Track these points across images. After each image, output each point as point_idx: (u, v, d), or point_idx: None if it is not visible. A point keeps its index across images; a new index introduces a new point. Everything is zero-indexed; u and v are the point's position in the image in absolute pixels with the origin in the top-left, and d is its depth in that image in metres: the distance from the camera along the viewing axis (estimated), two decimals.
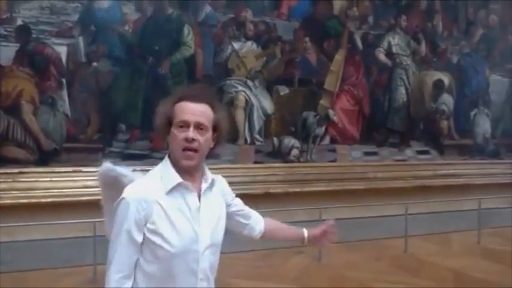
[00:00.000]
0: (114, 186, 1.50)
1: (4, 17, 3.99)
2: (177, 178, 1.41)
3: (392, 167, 5.33)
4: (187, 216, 1.42)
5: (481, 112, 6.12)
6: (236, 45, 4.73)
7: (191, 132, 1.43)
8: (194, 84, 4.34)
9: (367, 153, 5.35)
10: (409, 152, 5.61)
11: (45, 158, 4.11)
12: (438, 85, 5.82)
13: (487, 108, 6.16)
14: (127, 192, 1.40)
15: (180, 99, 1.47)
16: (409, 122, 5.61)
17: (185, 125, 1.44)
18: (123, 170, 1.50)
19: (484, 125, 6.12)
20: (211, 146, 1.48)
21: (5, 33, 4.00)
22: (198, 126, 1.45)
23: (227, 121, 1.51)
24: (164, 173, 1.45)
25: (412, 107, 5.62)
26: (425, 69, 5.74)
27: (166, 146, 1.48)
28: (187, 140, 1.42)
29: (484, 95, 6.17)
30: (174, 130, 1.43)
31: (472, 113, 6.06)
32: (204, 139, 1.45)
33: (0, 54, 3.95)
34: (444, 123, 5.83)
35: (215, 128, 1.49)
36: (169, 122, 1.46)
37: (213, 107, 1.49)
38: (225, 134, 1.51)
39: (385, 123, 5.49)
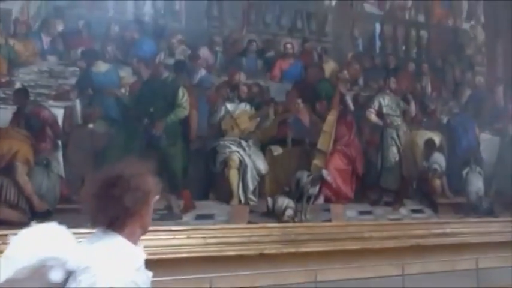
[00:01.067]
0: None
1: (3, 80, 4.12)
2: (141, 254, 1.53)
3: (387, 227, 5.33)
4: None
5: (473, 170, 6.21)
6: (230, 106, 4.87)
7: None
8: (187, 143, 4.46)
9: (361, 213, 5.37)
10: (403, 211, 5.63)
11: (37, 219, 4.10)
12: (429, 144, 5.94)
13: (479, 166, 6.26)
14: (112, 280, 1.41)
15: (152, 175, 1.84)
16: (402, 181, 5.68)
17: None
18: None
19: (477, 183, 6.20)
20: None
21: (3, 96, 4.11)
22: None
23: None
24: (123, 248, 1.56)
25: (405, 166, 5.72)
26: (415, 129, 5.89)
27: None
28: None
29: (475, 154, 6.29)
30: (152, 204, 1.80)
31: (465, 172, 6.16)
32: None
33: None
34: (437, 182, 5.90)
35: None
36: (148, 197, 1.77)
37: None
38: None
39: (379, 182, 5.55)
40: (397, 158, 5.69)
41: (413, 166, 5.82)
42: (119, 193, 1.70)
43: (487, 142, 6.39)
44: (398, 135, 5.75)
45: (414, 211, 5.70)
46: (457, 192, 6.03)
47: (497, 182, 6.35)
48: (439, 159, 5.99)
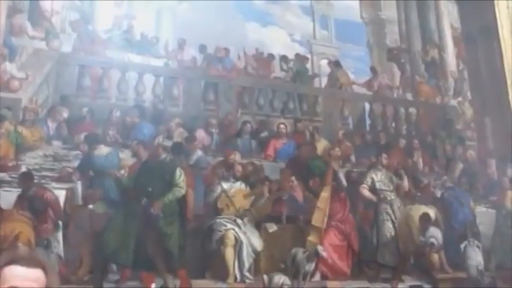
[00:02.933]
0: None
1: (10, 164, 4.50)
2: None
3: None
4: None
5: (471, 244, 6.35)
6: (225, 185, 5.19)
7: None
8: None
9: None
10: (402, 287, 5.75)
11: None
12: (425, 219, 6.14)
13: (477, 240, 6.41)
14: None
15: (10, 262, 1.42)
16: (400, 256, 5.83)
17: None
18: None
19: (476, 257, 6.31)
20: None
21: (9, 179, 4.47)
22: None
23: (58, 284, 1.57)
24: None
25: (401, 241, 5.90)
26: (410, 204, 6.13)
27: None
28: None
29: (472, 227, 6.47)
30: None
31: (462, 246, 6.29)
32: None
33: (3, 198, 4.37)
34: (435, 257, 6.04)
35: None
36: None
37: (45, 271, 1.43)
38: None
39: (375, 258, 5.71)
40: (393, 233, 5.88)
41: (410, 241, 5.98)
42: None
43: (483, 215, 6.60)
44: (392, 210, 5.98)
45: (413, 287, 5.80)
46: (456, 267, 6.13)
47: (497, 256, 6.48)
48: (436, 234, 6.15)
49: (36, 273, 1.39)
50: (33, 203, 4.42)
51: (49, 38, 4.75)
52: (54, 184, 4.54)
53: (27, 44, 4.65)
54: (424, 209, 6.21)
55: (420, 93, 6.81)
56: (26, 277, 1.37)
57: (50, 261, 1.60)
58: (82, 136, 4.74)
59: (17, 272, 1.37)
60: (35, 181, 4.49)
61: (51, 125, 4.67)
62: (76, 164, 4.67)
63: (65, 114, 4.72)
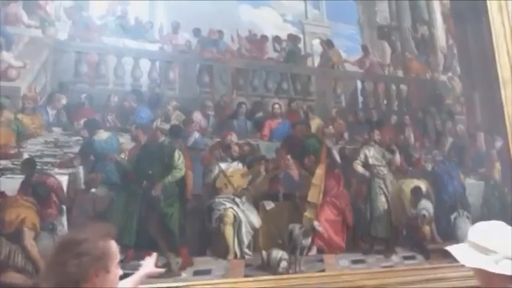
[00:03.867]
0: None
1: (12, 152, 4.53)
2: None
3: (379, 274, 5.58)
4: None
5: (461, 215, 6.53)
6: (223, 165, 5.27)
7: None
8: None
9: (354, 262, 5.64)
10: (395, 258, 5.90)
11: None
12: (416, 192, 6.28)
13: (466, 211, 6.58)
14: None
15: (109, 237, 1.81)
16: (392, 229, 5.99)
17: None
18: None
19: (465, 228, 6.47)
20: None
21: (12, 166, 4.50)
22: None
23: None
24: None
25: (394, 214, 6.04)
26: (402, 178, 6.26)
27: None
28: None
29: (461, 199, 6.63)
30: (115, 269, 1.75)
31: (453, 217, 6.47)
32: None
33: (7, 185, 4.43)
34: (426, 228, 6.20)
35: None
36: (107, 261, 1.72)
37: None
38: None
39: (369, 231, 5.87)
40: (386, 207, 6.02)
41: (402, 214, 6.14)
42: (64, 259, 1.63)
43: (472, 187, 6.74)
44: (385, 185, 6.11)
45: (406, 258, 5.97)
46: (446, 237, 6.30)
47: None
48: (427, 206, 6.31)
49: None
50: (36, 189, 4.48)
51: (44, 26, 4.72)
52: (56, 170, 4.58)
53: (23, 33, 4.62)
54: (415, 182, 6.35)
55: (411, 69, 6.86)
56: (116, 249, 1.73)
57: None
58: (82, 122, 4.77)
59: (115, 246, 1.74)
60: (38, 167, 4.54)
61: (51, 112, 4.69)
62: (77, 149, 4.71)
63: (64, 101, 4.74)
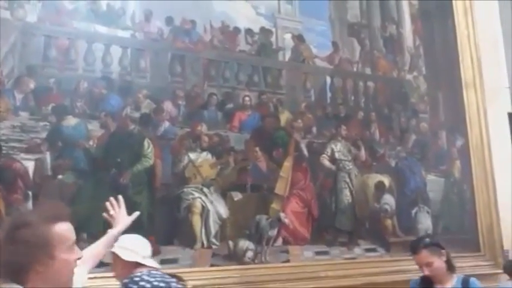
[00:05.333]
0: None
1: None
2: None
3: (342, 265, 5.77)
4: None
5: (421, 210, 6.79)
6: (192, 155, 5.31)
7: (79, 251, 1.65)
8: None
9: (318, 253, 5.80)
10: (357, 251, 6.10)
11: None
12: (379, 186, 6.50)
13: (426, 206, 6.84)
14: None
15: (58, 220, 1.59)
16: (356, 222, 6.18)
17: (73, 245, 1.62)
18: None
19: (425, 222, 6.76)
20: None
21: None
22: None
23: None
24: None
25: (357, 207, 6.24)
26: (366, 173, 6.45)
27: None
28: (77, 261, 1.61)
29: (422, 194, 6.89)
30: (64, 255, 1.54)
31: (413, 211, 6.72)
32: None
33: None
34: (388, 222, 6.43)
35: None
36: (48, 247, 1.52)
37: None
38: None
39: (334, 224, 6.04)
40: (350, 200, 6.21)
41: (366, 207, 6.34)
42: (1, 245, 1.53)
43: (433, 183, 7.01)
44: (350, 179, 6.29)
45: (368, 250, 6.18)
46: (407, 231, 6.55)
47: (444, 220, 6.95)
48: (389, 200, 6.54)
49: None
50: (2, 174, 4.41)
51: (13, 7, 4.62)
52: (22, 155, 4.52)
53: None
54: (379, 177, 6.57)
55: (378, 67, 7.03)
56: (72, 229, 1.60)
57: None
58: (49, 107, 4.70)
59: (68, 226, 1.60)
60: (3, 152, 4.47)
61: (18, 96, 4.60)
62: (44, 135, 4.65)
63: (32, 85, 4.66)
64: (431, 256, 3.71)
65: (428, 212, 6.82)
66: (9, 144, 4.49)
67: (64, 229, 1.57)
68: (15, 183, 4.45)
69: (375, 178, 6.51)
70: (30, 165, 4.55)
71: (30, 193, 4.51)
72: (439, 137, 7.24)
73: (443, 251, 3.80)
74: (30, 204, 4.47)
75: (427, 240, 3.95)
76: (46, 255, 1.51)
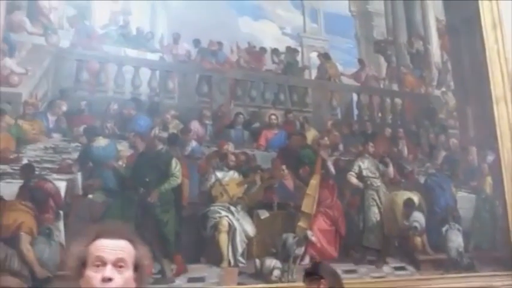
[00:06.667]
0: None
1: (12, 157, 4.48)
2: None
3: (370, 284, 5.53)
4: None
5: (452, 227, 6.47)
6: (219, 174, 5.22)
7: (108, 271, 1.29)
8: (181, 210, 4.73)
9: (346, 271, 5.56)
10: (386, 269, 5.84)
11: (38, 286, 4.32)
12: (409, 204, 6.24)
13: (457, 223, 6.52)
14: None
15: (96, 237, 1.36)
16: (384, 240, 5.93)
17: (102, 263, 1.31)
18: None
19: (456, 240, 6.44)
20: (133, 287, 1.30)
21: (11, 171, 4.46)
22: (117, 264, 1.31)
23: (149, 258, 1.40)
24: None
25: (386, 225, 5.99)
26: (395, 190, 6.21)
27: None
28: (103, 280, 1.27)
29: (453, 211, 6.58)
30: (90, 271, 1.29)
31: (444, 229, 6.41)
32: (123, 279, 1.28)
33: (5, 190, 4.37)
34: (418, 240, 6.15)
35: (136, 268, 1.35)
36: (83, 264, 1.33)
37: (133, 244, 1.38)
38: (147, 274, 1.40)
39: (361, 242, 5.81)
40: (378, 218, 5.97)
41: (394, 225, 6.09)
42: None
43: (464, 200, 6.69)
44: (378, 196, 6.06)
45: (397, 268, 5.91)
46: (437, 249, 6.25)
47: (475, 238, 6.61)
48: (419, 218, 6.26)
49: (123, 244, 1.34)
50: (34, 194, 4.43)
51: (47, 33, 4.70)
52: (54, 175, 4.54)
53: (26, 40, 4.60)
54: (408, 194, 6.30)
55: (405, 83, 6.83)
56: (112, 247, 1.31)
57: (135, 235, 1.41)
58: (81, 129, 4.73)
59: (101, 244, 1.32)
60: (36, 173, 4.49)
61: (51, 118, 4.65)
62: (75, 155, 4.66)
63: (64, 108, 4.70)
64: (310, 285, 3.45)
65: (459, 230, 6.50)
66: (42, 165, 4.52)
67: (95, 246, 1.38)
68: (47, 203, 4.46)
69: (403, 195, 6.25)
70: (62, 186, 4.55)
71: (61, 212, 4.50)
72: (469, 152, 6.93)
73: (323, 280, 3.42)
74: (61, 224, 4.47)
75: (308, 268, 3.75)
76: (78, 272, 1.39)
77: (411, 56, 7.05)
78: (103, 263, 1.30)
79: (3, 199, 4.31)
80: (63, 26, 4.82)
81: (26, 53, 4.61)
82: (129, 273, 1.33)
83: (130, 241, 1.38)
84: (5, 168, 4.35)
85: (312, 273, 3.53)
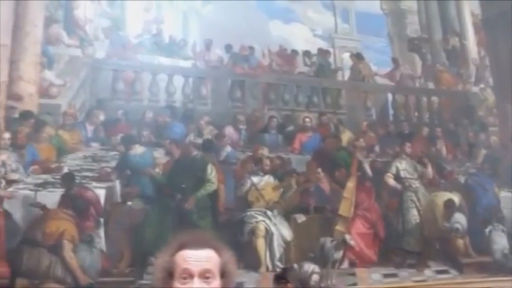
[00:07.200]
0: None
1: (53, 166, 4.57)
2: None
3: None
4: None
5: (496, 229, 6.19)
6: (255, 179, 5.16)
7: (196, 283, 1.27)
8: (215, 217, 4.70)
9: (386, 275, 5.42)
10: (428, 272, 5.64)
11: None
12: (449, 205, 6.00)
13: (501, 224, 6.24)
14: None
15: (180, 248, 1.33)
16: (425, 243, 5.73)
17: (188, 275, 1.28)
18: None
19: (501, 242, 6.15)
20: None
21: (53, 180, 4.54)
22: (204, 275, 1.28)
23: (235, 264, 1.38)
24: None
25: (426, 227, 5.79)
26: (434, 191, 6.00)
27: None
28: None
29: (496, 212, 6.29)
30: (177, 283, 1.27)
31: (487, 230, 6.15)
32: None
33: (47, 199, 4.45)
34: (460, 242, 5.91)
35: (223, 274, 1.33)
36: (169, 275, 1.30)
37: (218, 251, 1.34)
38: (234, 279, 1.36)
39: (401, 245, 5.63)
40: (418, 220, 5.77)
41: (435, 227, 5.87)
42: None
43: (507, 199, 6.40)
44: (417, 198, 5.86)
45: (439, 272, 5.70)
46: (480, 251, 5.99)
47: None
48: (460, 219, 6.01)
49: (207, 253, 1.30)
50: (75, 202, 4.49)
51: (84, 45, 4.79)
52: (94, 183, 4.60)
53: (64, 52, 4.70)
54: (448, 195, 6.06)
55: (442, 81, 6.62)
56: (196, 258, 1.28)
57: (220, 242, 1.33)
58: (118, 137, 4.78)
59: (186, 256, 1.28)
60: (77, 181, 4.56)
61: (89, 128, 4.72)
62: (114, 163, 4.71)
63: (102, 117, 4.77)
64: None
65: (503, 231, 6.20)
66: (82, 173, 4.58)
67: (181, 257, 1.31)
68: (88, 211, 4.50)
69: (443, 196, 6.02)
70: (101, 193, 4.60)
71: (101, 220, 4.54)
72: (510, 150, 6.64)
73: (289, 284, 3.56)
74: (101, 231, 4.51)
75: (277, 273, 3.94)
76: (166, 283, 1.32)
77: (447, 52, 6.84)
78: (190, 275, 1.27)
79: (46, 208, 4.38)
80: (99, 37, 4.90)
81: (64, 64, 4.71)
82: (216, 282, 1.30)
83: (215, 249, 1.34)
84: (47, 177, 4.43)
85: (280, 278, 3.66)
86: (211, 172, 4.97)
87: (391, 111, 6.19)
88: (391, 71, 6.30)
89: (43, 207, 4.37)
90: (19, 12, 4.48)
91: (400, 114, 6.18)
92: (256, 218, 5.04)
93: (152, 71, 5.06)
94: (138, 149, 4.82)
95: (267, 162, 5.27)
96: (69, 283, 4.37)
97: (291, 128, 5.53)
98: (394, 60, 6.39)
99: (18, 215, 4.28)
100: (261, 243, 4.98)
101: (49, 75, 4.59)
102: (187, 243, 1.33)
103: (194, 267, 1.28)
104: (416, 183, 5.89)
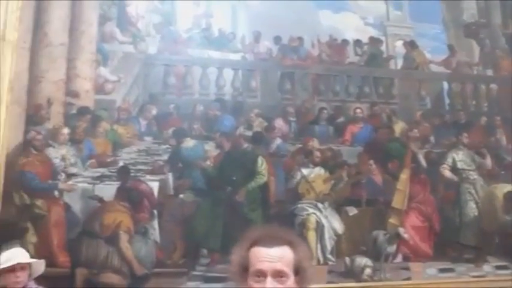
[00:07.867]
0: None
1: (109, 160, 4.67)
2: None
3: (469, 284, 5.09)
4: None
5: None
6: (305, 171, 5.06)
7: (269, 283, 1.24)
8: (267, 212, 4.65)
9: (442, 270, 5.18)
10: (487, 268, 5.34)
11: (136, 282, 4.46)
12: (510, 197, 5.65)
13: None
14: None
15: (254, 244, 1.31)
16: (483, 236, 5.43)
17: (262, 274, 1.26)
18: None
19: None
20: None
21: (109, 173, 4.65)
22: (277, 275, 1.26)
23: (310, 260, 1.35)
24: None
25: (485, 220, 5.47)
26: (493, 183, 5.66)
27: None
28: None
29: None
30: (251, 281, 1.26)
31: None
32: None
33: (104, 191, 4.56)
34: None
35: (297, 271, 1.29)
36: (245, 269, 1.29)
37: (292, 248, 1.30)
38: (310, 275, 1.31)
39: (458, 239, 5.36)
40: (476, 213, 5.48)
41: (494, 220, 5.54)
42: None
43: None
44: (475, 190, 5.55)
45: (498, 267, 5.39)
46: None
47: None
48: None
49: (279, 252, 1.28)
50: (130, 195, 4.57)
51: (136, 41, 4.85)
52: (148, 176, 4.66)
53: (117, 49, 4.78)
54: (508, 187, 5.71)
55: (501, 68, 6.20)
56: (270, 258, 1.26)
57: (295, 236, 1.43)
58: (170, 131, 4.82)
59: (259, 254, 1.27)
60: (131, 174, 4.64)
61: (143, 122, 4.79)
62: (166, 157, 4.76)
63: (154, 112, 4.82)
64: None
65: None
66: (136, 167, 4.65)
67: (254, 255, 1.29)
68: (142, 203, 4.57)
69: (503, 188, 5.66)
70: (154, 186, 4.66)
71: (155, 212, 4.60)
72: None
73: None
74: (155, 223, 4.57)
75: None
76: (241, 277, 1.31)
77: (506, 38, 6.39)
78: (263, 275, 1.26)
79: (103, 200, 4.49)
80: (150, 33, 4.94)
81: (118, 61, 4.78)
82: (290, 281, 1.27)
83: (290, 245, 1.30)
84: (104, 171, 4.53)
85: None
86: (262, 164, 4.91)
87: (446, 100, 5.89)
88: (446, 59, 5.98)
89: (100, 200, 4.49)
90: (75, 12, 4.58)
91: (457, 103, 5.87)
92: (307, 210, 4.94)
93: (202, 65, 5.06)
94: (189, 142, 4.83)
95: (318, 154, 5.14)
96: (125, 273, 4.46)
97: (341, 119, 5.37)
98: (450, 47, 6.06)
99: (77, 207, 4.40)
100: (312, 236, 4.88)
101: (104, 71, 4.68)
102: (260, 240, 1.31)
103: (267, 268, 1.26)
104: (474, 175, 5.58)
